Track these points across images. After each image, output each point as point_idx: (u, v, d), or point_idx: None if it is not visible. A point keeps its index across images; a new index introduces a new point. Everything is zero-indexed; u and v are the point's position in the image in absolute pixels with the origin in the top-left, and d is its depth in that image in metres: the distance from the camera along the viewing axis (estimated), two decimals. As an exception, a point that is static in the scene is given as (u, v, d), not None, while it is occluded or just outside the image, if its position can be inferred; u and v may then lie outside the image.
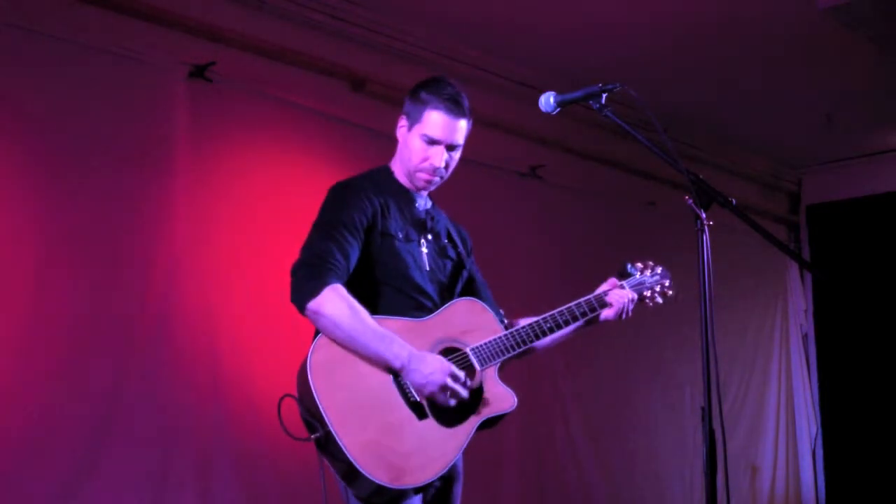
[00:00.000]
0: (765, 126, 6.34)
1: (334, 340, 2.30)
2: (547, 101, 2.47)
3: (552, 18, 4.74)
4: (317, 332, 2.37)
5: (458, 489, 2.55)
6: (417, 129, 2.52)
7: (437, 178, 2.56)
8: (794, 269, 7.37)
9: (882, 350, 6.76)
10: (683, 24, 4.84)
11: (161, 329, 3.73)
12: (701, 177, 2.23)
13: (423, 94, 2.53)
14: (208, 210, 3.95)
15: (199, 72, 3.94)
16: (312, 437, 2.24)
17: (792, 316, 7.32)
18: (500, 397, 2.45)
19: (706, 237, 2.17)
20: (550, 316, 2.57)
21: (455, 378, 2.33)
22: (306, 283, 2.30)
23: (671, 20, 4.79)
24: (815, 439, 7.18)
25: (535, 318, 2.58)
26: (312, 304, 2.28)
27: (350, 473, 2.25)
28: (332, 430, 2.21)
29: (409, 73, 4.74)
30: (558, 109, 2.47)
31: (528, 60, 5.17)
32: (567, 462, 5.37)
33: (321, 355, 2.30)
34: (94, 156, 3.65)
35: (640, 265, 2.79)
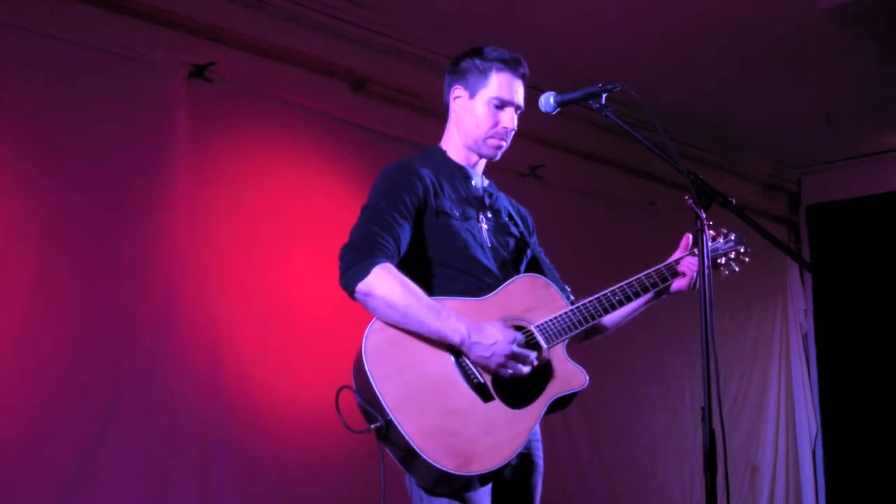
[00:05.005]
0: (765, 126, 6.33)
1: (388, 322, 2.20)
2: (547, 101, 2.47)
3: (552, 18, 4.74)
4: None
5: (538, 479, 2.42)
6: (483, 94, 2.47)
7: (505, 144, 2.51)
8: (794, 269, 7.35)
9: (882, 350, 6.75)
10: (683, 24, 4.84)
11: (161, 329, 3.72)
12: (701, 177, 2.23)
13: (483, 60, 2.49)
14: (208, 210, 3.94)
15: (199, 72, 3.94)
16: (373, 427, 2.13)
17: (792, 316, 7.31)
18: (571, 375, 2.34)
19: (706, 237, 2.16)
20: (619, 288, 2.46)
21: (520, 345, 2.23)
22: (354, 264, 2.20)
23: (671, 20, 4.79)
24: (815, 439, 7.16)
25: (601, 293, 2.45)
26: (362, 286, 2.18)
27: (414, 462, 2.14)
28: (392, 417, 2.10)
29: (409, 73, 4.75)
30: (558, 109, 2.47)
31: (528, 60, 5.15)
32: (567, 462, 5.37)
33: (376, 339, 2.19)
34: (94, 156, 3.65)
35: (712, 233, 2.60)
